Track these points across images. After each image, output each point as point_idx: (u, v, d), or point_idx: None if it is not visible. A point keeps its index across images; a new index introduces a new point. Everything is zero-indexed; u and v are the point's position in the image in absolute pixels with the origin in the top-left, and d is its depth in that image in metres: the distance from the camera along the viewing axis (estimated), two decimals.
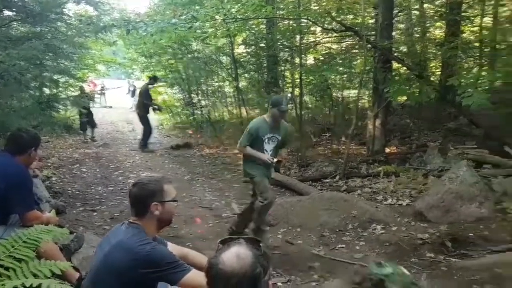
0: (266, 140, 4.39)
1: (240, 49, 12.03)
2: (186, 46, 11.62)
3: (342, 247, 4.60)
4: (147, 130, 10.07)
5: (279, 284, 3.53)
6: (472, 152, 6.95)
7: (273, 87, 11.20)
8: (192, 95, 12.88)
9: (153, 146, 10.28)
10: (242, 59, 11.79)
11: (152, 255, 1.84)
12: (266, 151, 4.40)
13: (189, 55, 12.03)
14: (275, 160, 4.37)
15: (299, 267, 4.01)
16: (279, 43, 10.43)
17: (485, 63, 9.84)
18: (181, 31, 8.23)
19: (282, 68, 11.67)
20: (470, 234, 4.76)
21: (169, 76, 12.96)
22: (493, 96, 8.33)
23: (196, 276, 1.81)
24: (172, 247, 2.15)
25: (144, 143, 10.03)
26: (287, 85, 11.65)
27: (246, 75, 12.11)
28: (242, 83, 12.08)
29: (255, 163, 4.38)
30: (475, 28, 9.90)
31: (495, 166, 6.57)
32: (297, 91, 10.62)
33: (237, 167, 8.69)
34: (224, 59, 12.39)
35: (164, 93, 14.33)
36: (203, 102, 12.69)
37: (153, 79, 10.43)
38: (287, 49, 10.96)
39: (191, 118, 13.04)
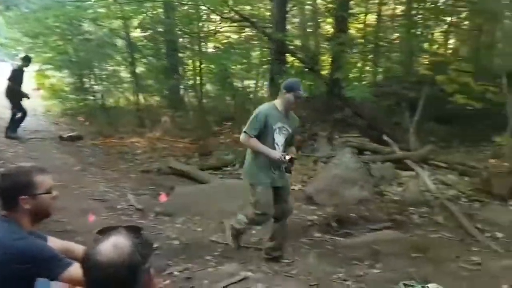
0: (277, 131, 3.62)
1: (136, 33, 11.55)
2: (76, 26, 10.80)
3: None
4: (21, 115, 9.11)
5: (175, 273, 3.53)
6: (355, 140, 7.62)
7: (173, 74, 11.01)
8: (84, 79, 12.04)
9: (22, 134, 9.32)
10: (139, 43, 11.34)
11: (26, 250, 1.73)
12: (277, 144, 3.63)
13: (80, 37, 11.21)
14: (287, 157, 3.53)
15: (197, 255, 4.05)
16: (178, 29, 10.24)
17: (369, 58, 10.81)
18: (70, 9, 7.63)
19: (182, 54, 11.49)
20: (353, 214, 5.27)
21: (57, 59, 11.94)
22: (376, 90, 9.25)
23: (78, 270, 1.74)
24: (53, 242, 2.04)
25: (14, 128, 9.05)
26: (188, 72, 11.53)
27: (143, 60, 11.68)
28: (140, 69, 11.65)
29: (262, 165, 3.62)
30: (360, 25, 10.78)
31: (374, 152, 7.31)
32: (198, 79, 10.58)
33: (134, 157, 8.41)
34: (120, 42, 11.79)
35: (52, 77, 13.19)
36: (96, 87, 11.95)
37: (26, 60, 9.33)
38: (186, 36, 10.82)
39: (82, 104, 12.20)
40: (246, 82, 11.28)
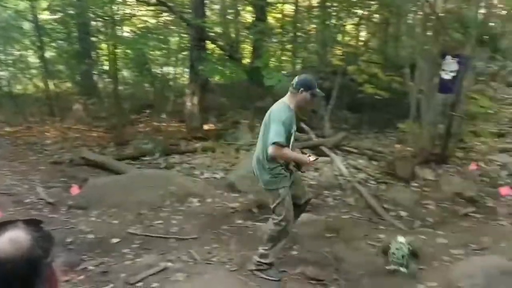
0: (293, 133, 3.39)
1: (45, 15, 10.71)
2: None
3: (159, 223, 4.66)
4: None
5: (90, 267, 3.40)
6: None
7: (85, 58, 10.40)
8: None
9: None
10: (48, 26, 10.54)
11: None
12: (291, 144, 3.40)
13: None
14: (312, 158, 3.38)
15: (113, 248, 3.92)
16: (90, 12, 9.65)
17: (288, 48, 11.06)
18: None
19: (96, 38, 10.88)
20: None
21: None
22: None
23: None
24: None
25: None
26: (102, 57, 10.96)
27: (53, 44, 10.89)
28: (49, 53, 10.86)
29: (279, 171, 3.33)
30: (278, 15, 10.98)
31: None
32: (113, 64, 10.09)
33: (43, 147, 7.88)
34: (27, 25, 10.87)
35: None
36: (1, 73, 10.96)
37: None
38: (100, 19, 10.24)
39: None
40: (166, 69, 11.00)
